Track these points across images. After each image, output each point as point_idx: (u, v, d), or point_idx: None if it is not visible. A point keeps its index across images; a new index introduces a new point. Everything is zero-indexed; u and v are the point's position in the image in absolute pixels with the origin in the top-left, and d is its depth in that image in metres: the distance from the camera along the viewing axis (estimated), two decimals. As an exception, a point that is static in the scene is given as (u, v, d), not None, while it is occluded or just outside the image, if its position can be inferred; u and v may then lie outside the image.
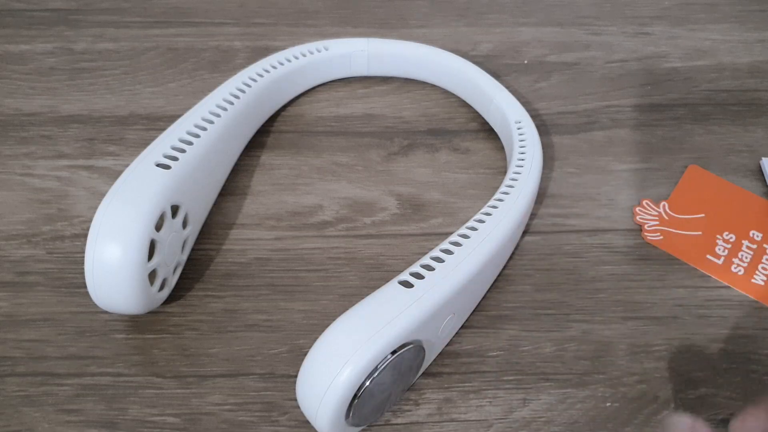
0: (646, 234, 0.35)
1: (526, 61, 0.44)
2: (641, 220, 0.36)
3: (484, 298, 0.32)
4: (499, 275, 0.33)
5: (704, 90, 0.43)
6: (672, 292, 0.33)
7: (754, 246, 0.35)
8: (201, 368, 0.30)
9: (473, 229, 0.30)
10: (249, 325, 0.31)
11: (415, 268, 0.27)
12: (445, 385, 0.30)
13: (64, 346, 0.30)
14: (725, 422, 0.29)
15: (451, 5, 0.47)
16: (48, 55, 0.43)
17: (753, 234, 0.36)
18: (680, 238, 0.35)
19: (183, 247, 0.32)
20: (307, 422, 0.26)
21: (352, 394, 0.24)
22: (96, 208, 0.27)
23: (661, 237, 0.35)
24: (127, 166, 0.29)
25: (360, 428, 0.27)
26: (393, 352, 0.25)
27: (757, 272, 0.34)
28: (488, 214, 0.30)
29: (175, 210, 0.30)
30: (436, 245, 0.29)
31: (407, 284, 0.26)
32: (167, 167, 0.29)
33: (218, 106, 0.34)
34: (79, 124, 0.39)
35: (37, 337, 0.31)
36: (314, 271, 0.33)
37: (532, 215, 0.36)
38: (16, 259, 0.33)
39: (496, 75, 0.41)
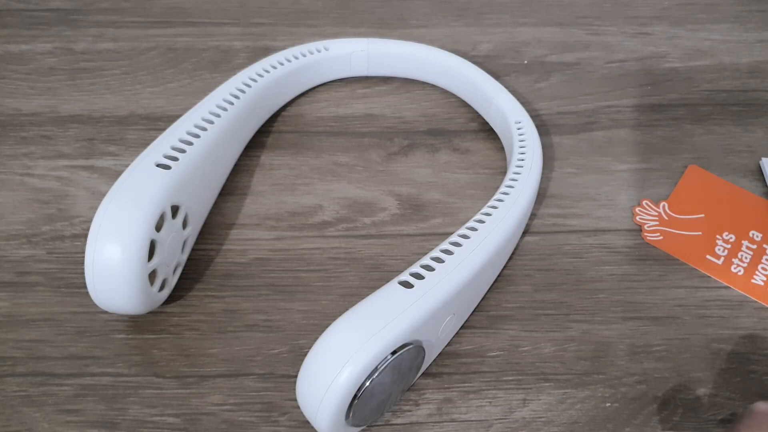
0: (645, 234, 0.35)
1: (526, 61, 0.44)
2: (641, 221, 0.36)
3: (484, 298, 0.33)
4: (499, 275, 0.33)
5: (704, 90, 0.43)
6: (672, 292, 0.33)
7: (754, 246, 0.35)
8: (201, 368, 0.30)
9: (473, 229, 0.30)
10: (249, 325, 0.31)
11: (415, 268, 0.27)
12: (445, 385, 0.30)
13: (64, 346, 0.30)
14: (725, 422, 0.29)
15: (451, 5, 0.47)
16: (48, 55, 0.43)
17: (753, 234, 0.36)
18: (680, 239, 0.35)
19: (183, 247, 0.32)
20: (307, 422, 0.26)
21: (352, 395, 0.24)
22: (96, 208, 0.27)
23: (661, 237, 0.35)
24: (127, 166, 0.29)
25: (360, 428, 0.27)
26: (393, 353, 0.25)
27: (757, 272, 0.34)
28: (488, 215, 0.30)
29: (175, 210, 0.30)
30: (436, 245, 0.29)
31: (407, 284, 0.26)
32: (167, 167, 0.29)
33: (218, 106, 0.34)
34: (79, 124, 0.39)
35: (37, 337, 0.31)
36: (314, 271, 0.33)
37: (532, 215, 0.36)
38: (16, 259, 0.33)
39: (496, 75, 0.41)
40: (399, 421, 0.29)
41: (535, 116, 0.40)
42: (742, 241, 0.35)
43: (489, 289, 0.33)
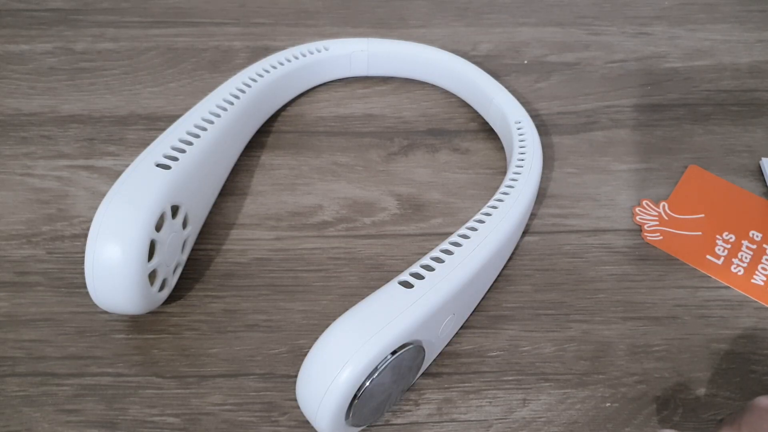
0: (645, 234, 0.35)
1: (526, 61, 0.44)
2: (641, 221, 0.36)
3: (484, 298, 0.33)
4: (499, 275, 0.33)
5: (704, 90, 0.43)
6: (672, 292, 0.33)
7: (754, 246, 0.35)
8: (201, 368, 0.30)
9: (473, 229, 0.30)
10: (249, 325, 0.31)
11: (415, 268, 0.27)
12: (445, 385, 0.30)
13: (64, 346, 0.30)
14: (725, 422, 0.29)
15: (451, 5, 0.47)
16: (48, 55, 0.43)
17: (753, 234, 0.36)
18: (680, 239, 0.35)
19: (183, 247, 0.32)
20: (307, 422, 0.26)
21: (352, 395, 0.24)
22: (96, 208, 0.27)
23: (661, 237, 0.35)
24: (127, 166, 0.29)
25: (360, 428, 0.27)
26: (393, 353, 0.25)
27: (756, 272, 0.34)
28: (488, 215, 0.30)
29: (175, 210, 0.30)
30: (436, 245, 0.29)
31: (407, 284, 0.26)
32: (167, 167, 0.29)
33: (218, 106, 0.34)
34: (79, 124, 0.39)
35: (37, 337, 0.31)
36: (314, 271, 0.33)
37: (532, 215, 0.36)
38: (16, 259, 0.33)
39: (496, 75, 0.41)
40: (399, 421, 0.29)
41: (535, 116, 0.40)
42: (742, 241, 0.35)
43: (489, 289, 0.33)
